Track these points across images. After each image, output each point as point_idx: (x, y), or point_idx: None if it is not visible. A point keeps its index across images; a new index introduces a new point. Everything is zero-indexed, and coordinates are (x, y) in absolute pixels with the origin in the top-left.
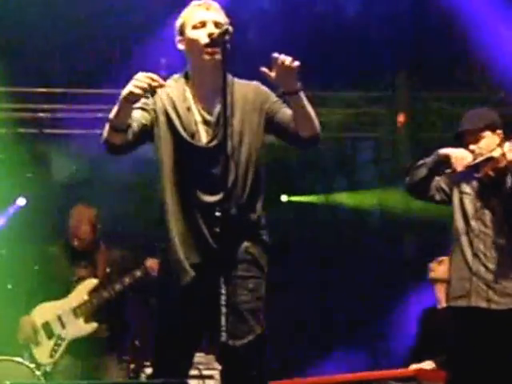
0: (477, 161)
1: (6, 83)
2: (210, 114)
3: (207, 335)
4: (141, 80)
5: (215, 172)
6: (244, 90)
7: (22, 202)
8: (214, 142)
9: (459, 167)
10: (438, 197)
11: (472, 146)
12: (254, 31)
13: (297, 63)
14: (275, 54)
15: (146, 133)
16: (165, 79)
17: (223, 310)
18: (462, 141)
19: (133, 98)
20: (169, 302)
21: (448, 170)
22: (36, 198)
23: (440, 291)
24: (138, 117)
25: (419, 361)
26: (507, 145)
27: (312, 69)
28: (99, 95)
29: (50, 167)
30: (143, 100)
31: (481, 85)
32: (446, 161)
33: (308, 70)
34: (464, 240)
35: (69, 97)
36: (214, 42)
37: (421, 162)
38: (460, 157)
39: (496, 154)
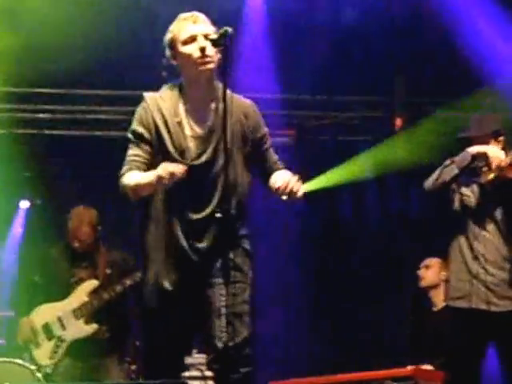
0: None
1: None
2: (201, 127)
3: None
4: (166, 173)
5: (202, 189)
6: (238, 106)
7: (25, 204)
8: (203, 159)
9: (494, 165)
10: (452, 196)
11: None
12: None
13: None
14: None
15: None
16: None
17: (209, 314)
18: (466, 145)
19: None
20: (152, 311)
21: (485, 168)
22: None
23: (434, 295)
24: (144, 156)
25: (416, 362)
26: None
27: (311, 73)
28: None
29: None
30: (141, 129)
31: (477, 90)
32: (482, 158)
33: (307, 74)
34: (464, 242)
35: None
36: (205, 55)
37: (448, 161)
38: (496, 155)
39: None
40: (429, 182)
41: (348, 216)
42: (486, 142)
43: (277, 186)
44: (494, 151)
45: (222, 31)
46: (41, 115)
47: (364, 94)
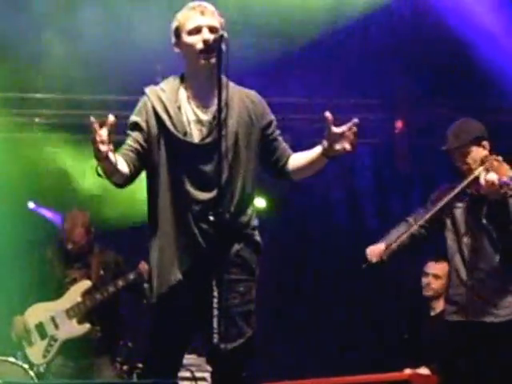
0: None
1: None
2: (204, 113)
3: (199, 337)
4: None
5: (208, 169)
6: (241, 94)
7: (31, 205)
8: (208, 140)
9: (374, 258)
10: (431, 233)
11: (458, 162)
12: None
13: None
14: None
15: (145, 153)
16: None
17: (215, 312)
18: (449, 155)
19: (101, 157)
20: (159, 302)
21: (364, 265)
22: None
23: (435, 302)
24: (131, 144)
25: (413, 366)
26: (482, 175)
27: (312, 76)
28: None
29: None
30: (136, 118)
31: (481, 92)
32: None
33: (308, 77)
34: (457, 256)
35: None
36: (208, 48)
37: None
38: (373, 249)
39: (477, 174)
40: None
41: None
42: (467, 152)
43: (337, 130)
44: (372, 249)
45: (216, 36)
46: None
47: (364, 97)
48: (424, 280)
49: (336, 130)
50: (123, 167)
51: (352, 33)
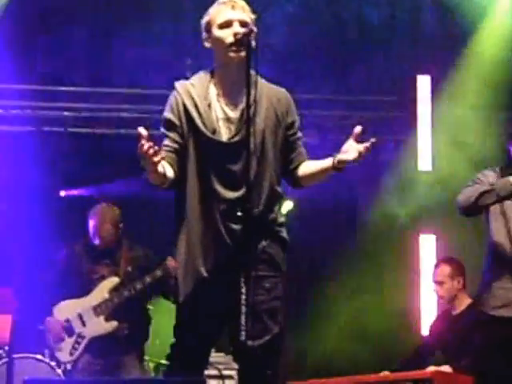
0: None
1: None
2: (233, 110)
3: (226, 334)
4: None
5: (236, 168)
6: (271, 91)
7: (62, 193)
8: (236, 139)
9: None
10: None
11: None
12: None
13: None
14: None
15: (183, 151)
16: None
17: (243, 309)
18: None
19: (153, 168)
20: (186, 299)
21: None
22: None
23: (454, 303)
24: (170, 144)
25: (436, 364)
26: None
27: (331, 72)
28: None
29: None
30: (169, 115)
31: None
32: None
33: (327, 74)
34: (507, 249)
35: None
36: (238, 42)
37: (488, 188)
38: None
39: None
40: (462, 199)
41: None
42: None
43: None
44: None
45: (246, 30)
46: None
47: (386, 94)
48: (434, 290)
49: (356, 146)
50: (170, 173)
51: (375, 30)
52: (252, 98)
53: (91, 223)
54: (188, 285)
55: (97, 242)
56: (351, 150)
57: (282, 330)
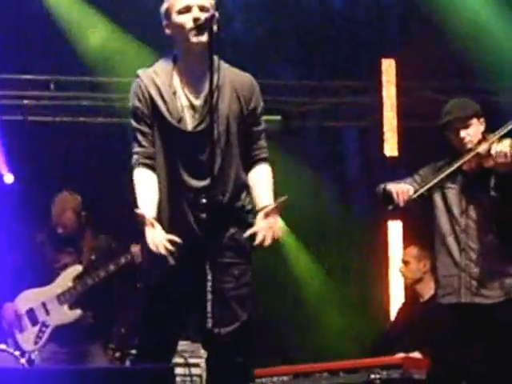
0: (458, 164)
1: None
2: (197, 98)
3: (193, 322)
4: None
5: (202, 157)
6: (234, 76)
7: (9, 179)
8: (201, 127)
9: (402, 202)
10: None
11: (462, 133)
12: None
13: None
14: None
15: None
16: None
17: (209, 296)
18: (449, 129)
19: None
20: (153, 287)
21: (390, 207)
22: (26, 184)
23: (420, 288)
24: (146, 138)
25: (404, 351)
26: (494, 146)
27: (297, 58)
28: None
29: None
30: (137, 104)
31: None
32: (389, 197)
33: (293, 60)
34: (450, 236)
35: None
36: (199, 26)
37: (377, 188)
38: (401, 191)
39: (481, 150)
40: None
41: None
42: (469, 124)
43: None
44: (400, 188)
45: (207, 15)
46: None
47: (351, 79)
48: (399, 270)
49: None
50: (157, 189)
51: (338, 14)
52: (215, 83)
53: (53, 211)
54: (155, 273)
55: (59, 230)
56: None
57: (250, 317)
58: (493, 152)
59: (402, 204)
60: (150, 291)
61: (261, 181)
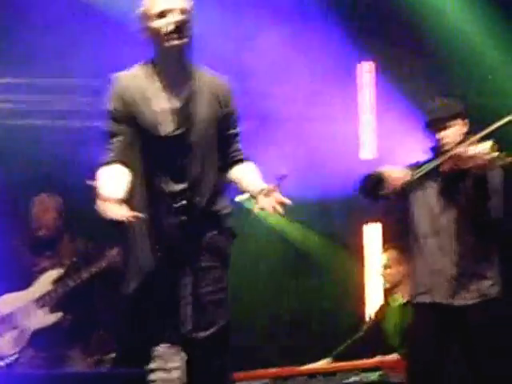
0: (427, 169)
1: None
2: (175, 101)
3: (172, 325)
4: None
5: (180, 161)
6: (212, 79)
7: None
8: (179, 131)
9: (393, 187)
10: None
11: (441, 134)
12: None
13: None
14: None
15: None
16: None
17: (186, 300)
18: (430, 129)
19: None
20: (132, 291)
21: (382, 192)
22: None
23: (399, 291)
24: (121, 140)
25: (382, 354)
26: (476, 146)
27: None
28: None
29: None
30: (114, 105)
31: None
32: (381, 181)
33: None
34: (428, 236)
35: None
36: (177, 31)
37: (366, 174)
38: (395, 176)
39: (462, 152)
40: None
41: None
42: (450, 125)
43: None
44: (395, 172)
45: (185, 18)
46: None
47: (326, 82)
48: (380, 275)
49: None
50: (128, 180)
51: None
52: (193, 87)
53: (34, 213)
54: (135, 277)
55: (41, 232)
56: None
57: (228, 321)
58: (471, 153)
59: (397, 189)
60: (129, 295)
61: (249, 171)
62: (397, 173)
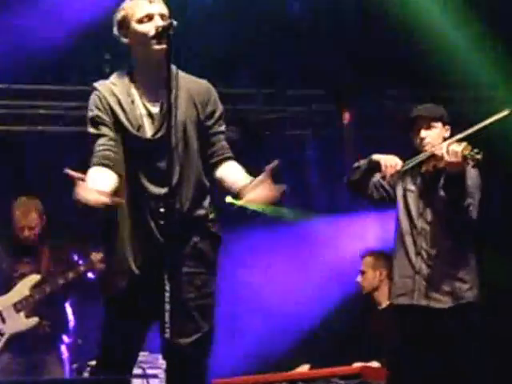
0: (414, 162)
1: None
2: (154, 106)
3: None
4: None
5: (162, 164)
6: (190, 83)
7: None
8: (159, 134)
9: (389, 173)
10: (376, 195)
11: (423, 133)
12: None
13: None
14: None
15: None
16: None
17: (167, 306)
18: (412, 128)
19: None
20: (115, 296)
21: (378, 175)
22: None
23: (378, 296)
24: (105, 143)
25: (363, 360)
26: (451, 145)
27: (261, 67)
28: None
29: None
30: (97, 112)
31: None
32: (377, 166)
33: (257, 68)
34: (408, 238)
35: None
36: (160, 34)
37: (356, 164)
38: (390, 163)
39: (439, 151)
40: (343, 181)
41: None
42: (433, 125)
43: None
44: (389, 160)
45: (166, 23)
46: None
47: (312, 88)
48: (357, 280)
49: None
50: (113, 182)
51: (298, 23)
52: (172, 90)
53: (16, 214)
54: (117, 282)
55: (25, 233)
56: (261, 189)
57: (212, 328)
58: (445, 151)
59: (388, 176)
60: (111, 301)
61: (236, 170)
62: (391, 160)
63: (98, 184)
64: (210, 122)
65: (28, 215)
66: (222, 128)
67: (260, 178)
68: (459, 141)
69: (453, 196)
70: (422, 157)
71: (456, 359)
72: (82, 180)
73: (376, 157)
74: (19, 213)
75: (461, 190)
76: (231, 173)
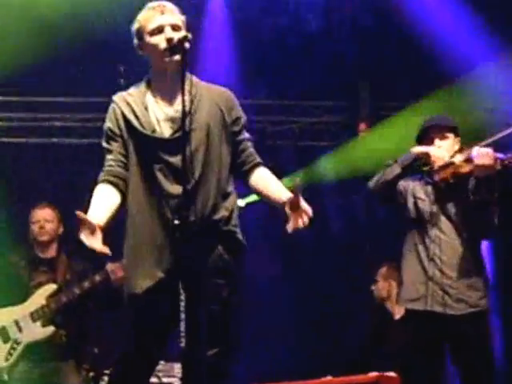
0: (446, 162)
1: None
2: (173, 110)
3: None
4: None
5: (180, 164)
6: (212, 90)
7: None
8: (178, 134)
9: (437, 165)
10: (401, 199)
11: (438, 142)
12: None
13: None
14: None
15: (128, 159)
16: (125, 88)
17: (182, 316)
18: (425, 138)
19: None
20: (137, 306)
21: (426, 168)
22: None
23: (391, 306)
24: (115, 158)
25: (379, 370)
26: (475, 149)
27: (273, 77)
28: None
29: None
30: (109, 124)
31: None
32: (424, 158)
33: (270, 79)
34: (420, 245)
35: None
36: (172, 47)
37: (390, 161)
38: (439, 155)
39: (457, 160)
40: (372, 182)
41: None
42: (446, 136)
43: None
44: (437, 151)
45: (180, 36)
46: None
47: (327, 99)
48: (371, 289)
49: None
50: (117, 200)
51: (315, 36)
52: (190, 96)
53: (33, 220)
54: (139, 288)
55: (43, 238)
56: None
57: (235, 339)
58: (474, 153)
59: (436, 167)
60: (133, 310)
61: (270, 179)
62: (439, 152)
63: (100, 205)
64: (236, 128)
65: (46, 223)
66: (248, 135)
67: (293, 197)
68: (486, 146)
69: (485, 199)
70: (458, 158)
71: (470, 366)
72: (89, 224)
73: (420, 149)
74: (37, 219)
75: (493, 192)
76: (270, 182)
